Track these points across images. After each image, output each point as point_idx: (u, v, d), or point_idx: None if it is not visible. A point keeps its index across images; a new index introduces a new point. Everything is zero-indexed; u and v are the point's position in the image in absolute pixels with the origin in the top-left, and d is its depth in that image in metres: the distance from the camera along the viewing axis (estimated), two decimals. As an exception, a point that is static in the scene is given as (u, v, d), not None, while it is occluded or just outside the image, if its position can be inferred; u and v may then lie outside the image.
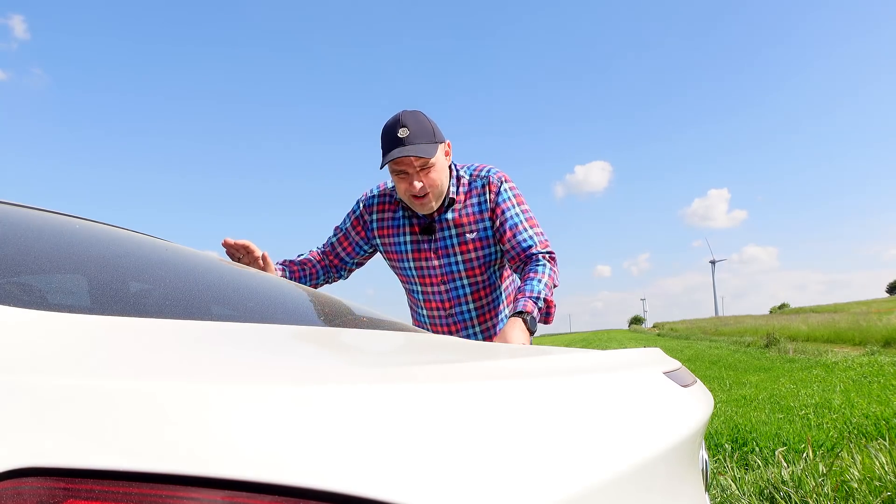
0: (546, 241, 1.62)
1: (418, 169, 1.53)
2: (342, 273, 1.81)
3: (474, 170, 1.68)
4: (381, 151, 1.57)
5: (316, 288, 1.80)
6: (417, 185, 1.53)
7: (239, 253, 1.54)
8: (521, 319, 1.43)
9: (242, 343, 0.61)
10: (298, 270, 1.73)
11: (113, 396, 0.35)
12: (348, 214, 1.78)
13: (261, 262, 1.55)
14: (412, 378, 0.46)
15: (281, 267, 1.70)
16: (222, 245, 1.54)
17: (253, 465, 0.33)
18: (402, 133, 1.50)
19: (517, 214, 1.62)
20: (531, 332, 1.45)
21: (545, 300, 1.49)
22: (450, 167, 1.65)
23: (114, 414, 0.34)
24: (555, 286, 1.56)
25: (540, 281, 1.51)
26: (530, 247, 1.59)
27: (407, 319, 1.84)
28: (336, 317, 1.07)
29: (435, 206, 1.61)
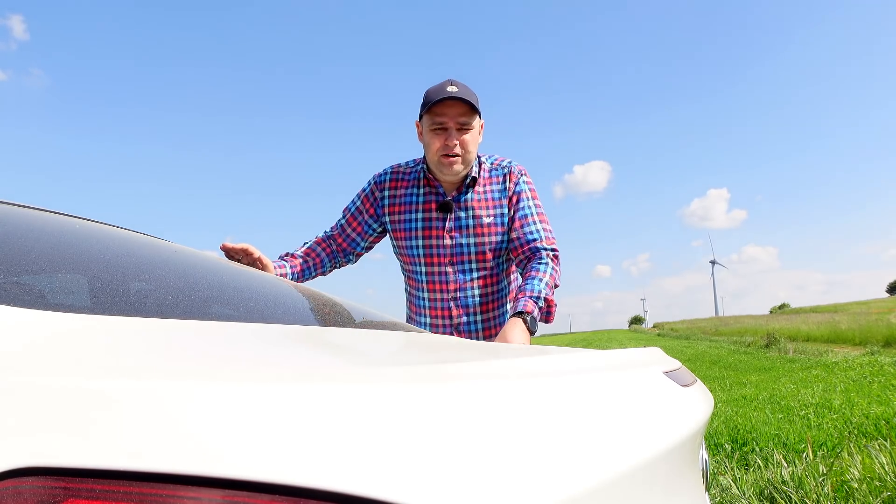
0: (552, 238, 1.63)
1: (458, 127, 1.56)
2: (350, 257, 1.78)
3: (496, 159, 1.72)
4: (419, 114, 1.63)
5: (324, 275, 1.77)
6: (454, 142, 1.56)
7: (238, 255, 1.54)
8: (521, 320, 1.43)
9: (242, 343, 0.61)
10: (301, 263, 1.70)
11: (113, 396, 0.35)
12: (358, 193, 1.76)
13: (259, 263, 1.56)
14: (412, 377, 0.46)
15: (281, 263, 1.69)
16: (221, 249, 1.54)
17: (253, 465, 0.33)
18: (452, 89, 1.54)
19: (530, 207, 1.64)
20: (531, 333, 1.45)
21: (546, 300, 1.50)
22: None
23: (114, 414, 0.34)
24: (556, 286, 1.55)
25: (541, 280, 1.51)
26: (535, 240, 1.60)
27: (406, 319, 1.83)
28: (336, 317, 1.07)
29: (461, 171, 1.61)
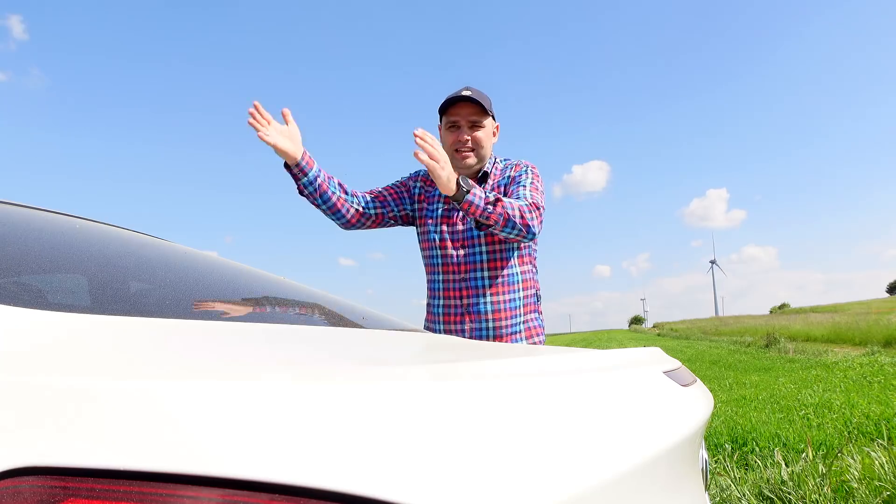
0: (539, 205, 1.69)
1: (470, 124, 1.76)
2: (370, 209, 1.82)
3: (509, 160, 1.91)
4: (439, 116, 1.83)
5: (331, 202, 1.75)
6: (465, 137, 1.75)
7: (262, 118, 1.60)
8: (459, 177, 1.55)
9: (241, 343, 0.61)
10: (328, 181, 1.74)
11: (113, 396, 0.35)
12: (398, 179, 1.96)
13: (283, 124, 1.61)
14: (412, 377, 0.46)
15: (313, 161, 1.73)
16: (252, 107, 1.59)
17: (252, 465, 0.33)
18: (466, 92, 1.74)
19: (527, 182, 1.79)
20: (459, 187, 1.53)
21: (493, 202, 1.57)
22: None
23: (114, 414, 0.34)
24: (511, 215, 1.59)
25: (501, 199, 1.59)
26: (520, 198, 1.71)
27: (407, 320, 1.84)
28: (335, 316, 1.07)
29: (474, 164, 1.79)
